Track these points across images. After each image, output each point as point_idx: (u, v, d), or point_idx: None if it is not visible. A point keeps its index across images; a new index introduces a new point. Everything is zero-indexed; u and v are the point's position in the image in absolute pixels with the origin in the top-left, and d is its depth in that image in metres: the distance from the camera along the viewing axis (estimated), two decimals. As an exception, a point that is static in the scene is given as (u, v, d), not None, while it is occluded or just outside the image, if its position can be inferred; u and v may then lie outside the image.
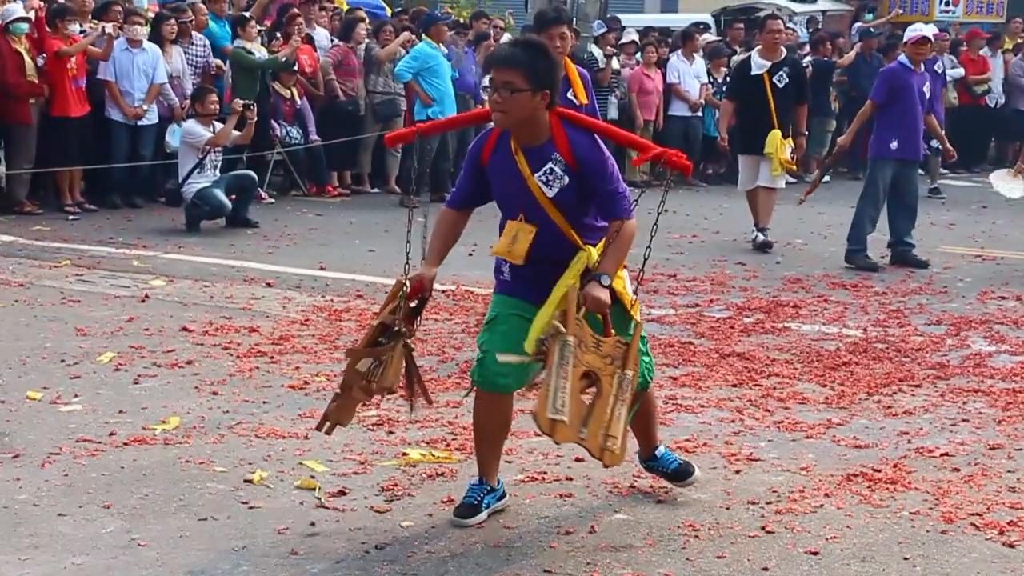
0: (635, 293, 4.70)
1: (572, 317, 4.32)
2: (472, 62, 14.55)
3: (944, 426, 5.97)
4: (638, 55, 16.27)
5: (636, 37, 16.62)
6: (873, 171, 10.34)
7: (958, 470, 5.30)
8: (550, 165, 4.49)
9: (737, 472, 5.24)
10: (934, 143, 14.95)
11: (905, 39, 10.74)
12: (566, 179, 4.49)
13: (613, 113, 15.65)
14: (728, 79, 12.57)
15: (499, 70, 4.45)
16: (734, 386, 6.55)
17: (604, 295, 4.41)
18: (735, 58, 15.01)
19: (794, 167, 11.30)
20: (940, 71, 15.02)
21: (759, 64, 10.91)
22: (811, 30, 19.53)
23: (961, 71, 17.18)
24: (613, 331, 4.48)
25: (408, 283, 4.56)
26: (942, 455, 5.51)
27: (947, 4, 20.19)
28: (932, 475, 5.22)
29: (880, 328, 8.02)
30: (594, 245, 4.55)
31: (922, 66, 10.41)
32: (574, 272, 4.50)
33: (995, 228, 11.92)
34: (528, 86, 4.40)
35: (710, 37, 17.65)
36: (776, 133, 10.62)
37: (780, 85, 10.76)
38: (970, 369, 7.03)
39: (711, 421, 5.95)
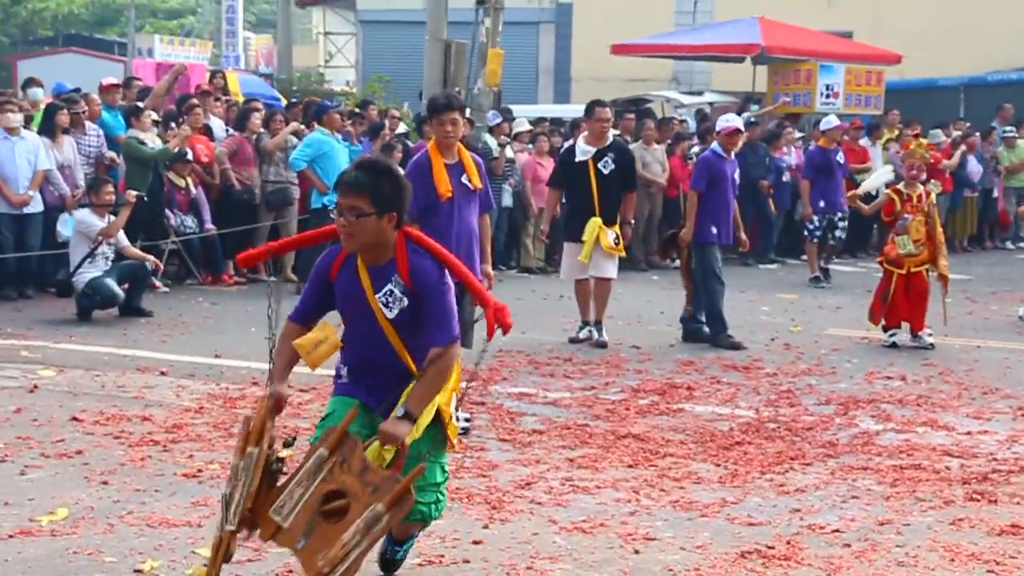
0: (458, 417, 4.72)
1: (337, 433, 4.30)
2: (368, 151, 14.63)
3: (835, 503, 6.09)
4: (530, 144, 16.51)
5: (528, 125, 16.89)
6: (703, 256, 10.69)
7: (849, 546, 5.40)
8: (390, 287, 4.49)
9: (635, 552, 5.27)
10: (838, 232, 15.29)
11: (718, 129, 11.19)
12: (405, 300, 4.49)
13: (508, 201, 15.82)
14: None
15: (345, 195, 4.43)
16: (630, 467, 6.60)
17: (399, 429, 4.37)
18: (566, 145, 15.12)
19: (622, 253, 10.72)
20: (842, 161, 15.44)
21: (584, 150, 10.52)
22: (699, 121, 20.00)
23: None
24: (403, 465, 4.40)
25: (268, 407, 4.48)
26: (833, 531, 5.61)
27: (828, 97, 20.84)
28: (824, 551, 5.31)
29: (772, 408, 8.16)
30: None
31: (732, 154, 10.92)
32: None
33: (880, 311, 12.25)
34: (373, 210, 4.39)
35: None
36: (595, 220, 10.29)
37: (605, 172, 10.41)
38: (859, 447, 7.18)
39: (608, 501, 5.99)
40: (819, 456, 6.96)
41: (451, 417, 4.67)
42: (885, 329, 10.76)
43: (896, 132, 18.96)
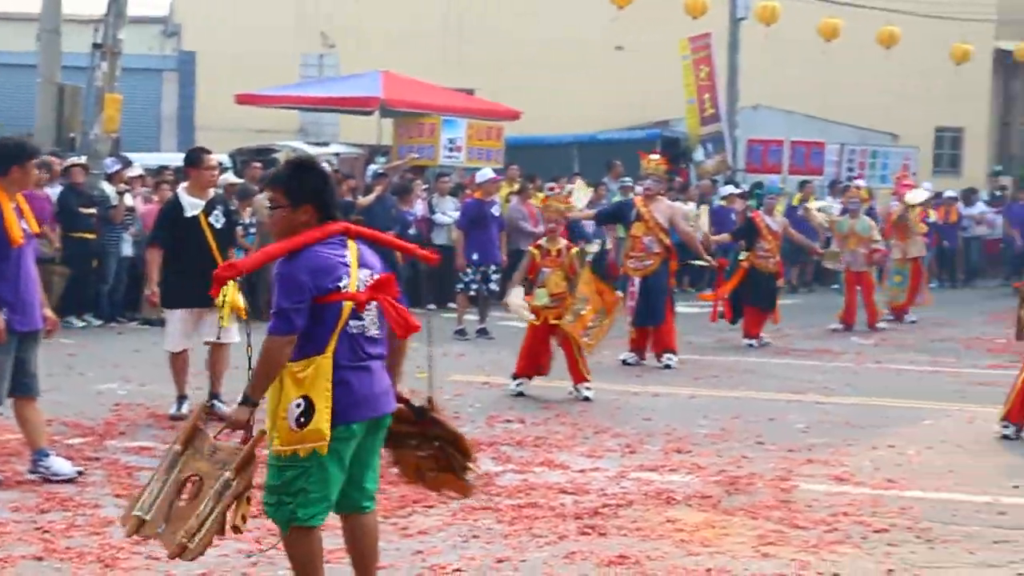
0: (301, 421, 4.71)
1: (189, 430, 4.81)
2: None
3: (456, 543, 6.22)
4: (146, 190, 16.06)
5: (140, 171, 16.42)
6: None
7: (469, 583, 5.52)
8: None
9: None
10: (492, 285, 15.33)
11: None
12: None
13: (128, 250, 15.32)
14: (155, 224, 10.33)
15: (267, 189, 5.05)
16: (254, 516, 6.43)
17: (235, 415, 4.76)
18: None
19: (244, 314, 9.20)
20: (497, 214, 15.41)
21: (193, 204, 9.49)
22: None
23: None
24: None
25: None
26: (454, 571, 5.74)
27: (451, 151, 21.46)
28: (445, 590, 5.40)
29: (396, 454, 8.23)
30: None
31: None
32: None
33: (501, 357, 12.63)
34: (287, 202, 4.81)
35: (232, 178, 17.69)
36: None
37: (218, 226, 9.53)
38: (479, 488, 7.34)
39: (230, 553, 5.86)
40: (441, 498, 7.05)
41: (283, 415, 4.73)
42: (514, 377, 11.03)
43: (516, 186, 19.72)
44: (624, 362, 12.95)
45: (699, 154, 25.42)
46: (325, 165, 12.04)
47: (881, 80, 28.52)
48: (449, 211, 18.07)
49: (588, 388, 10.74)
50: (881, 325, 16.65)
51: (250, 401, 4.72)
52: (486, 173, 15.74)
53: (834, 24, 25.67)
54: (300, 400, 4.67)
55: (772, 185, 19.06)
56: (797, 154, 24.87)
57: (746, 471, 7.97)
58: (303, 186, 4.83)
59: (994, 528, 6.73)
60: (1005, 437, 9.21)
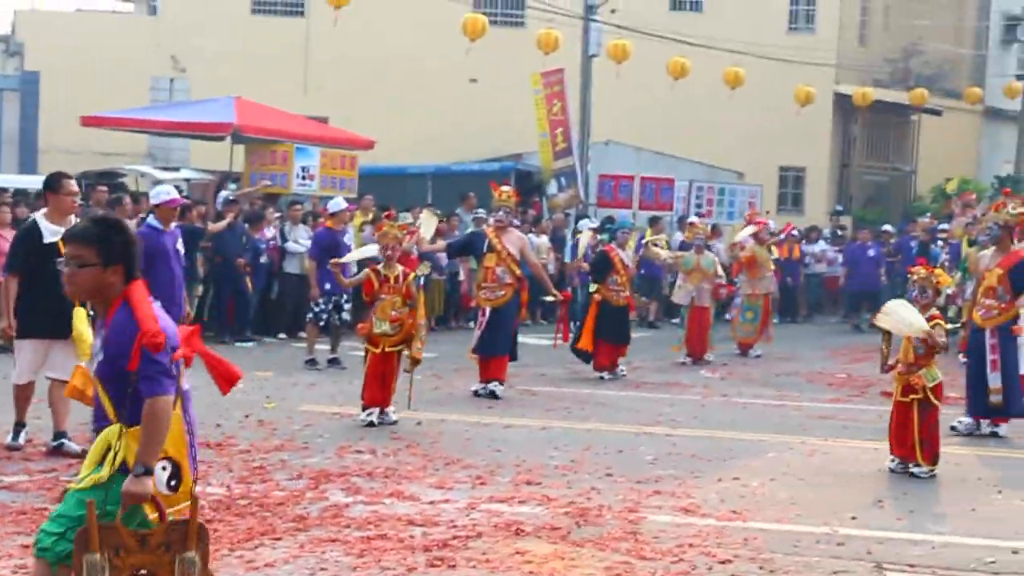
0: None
1: (93, 531, 4.31)
2: None
3: (303, 576, 6.12)
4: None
5: None
6: None
7: (316, 617, 5.44)
8: (97, 340, 4.64)
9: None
10: (344, 314, 15.15)
11: (156, 202, 11.10)
12: (102, 354, 4.58)
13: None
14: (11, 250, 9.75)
15: (69, 244, 4.68)
16: (92, 552, 6.28)
17: (140, 487, 4.40)
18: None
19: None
20: (350, 243, 15.47)
21: (52, 231, 9.01)
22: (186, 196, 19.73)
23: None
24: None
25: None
26: (301, 604, 5.64)
27: (304, 179, 21.31)
28: (292, 624, 5.31)
29: (244, 485, 8.10)
30: (130, 424, 4.51)
31: (172, 225, 10.92)
32: (95, 458, 4.56)
33: (352, 387, 12.52)
34: (98, 260, 4.60)
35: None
36: (82, 311, 8.85)
37: None
38: (328, 520, 7.28)
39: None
40: (289, 530, 6.98)
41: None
42: (364, 408, 10.93)
43: (370, 215, 19.65)
44: (476, 393, 12.96)
45: (553, 188, 25.70)
46: (173, 189, 12.01)
47: (728, 119, 29.25)
48: (301, 239, 17.90)
49: (394, 412, 10.95)
50: (709, 358, 16.99)
51: (149, 470, 4.45)
52: (339, 202, 15.71)
53: (682, 63, 26.29)
54: (165, 463, 4.55)
55: (624, 220, 19.41)
56: (647, 190, 25.31)
57: (595, 503, 8.03)
58: (115, 246, 4.66)
59: (832, 559, 6.91)
60: (891, 471, 9.49)
